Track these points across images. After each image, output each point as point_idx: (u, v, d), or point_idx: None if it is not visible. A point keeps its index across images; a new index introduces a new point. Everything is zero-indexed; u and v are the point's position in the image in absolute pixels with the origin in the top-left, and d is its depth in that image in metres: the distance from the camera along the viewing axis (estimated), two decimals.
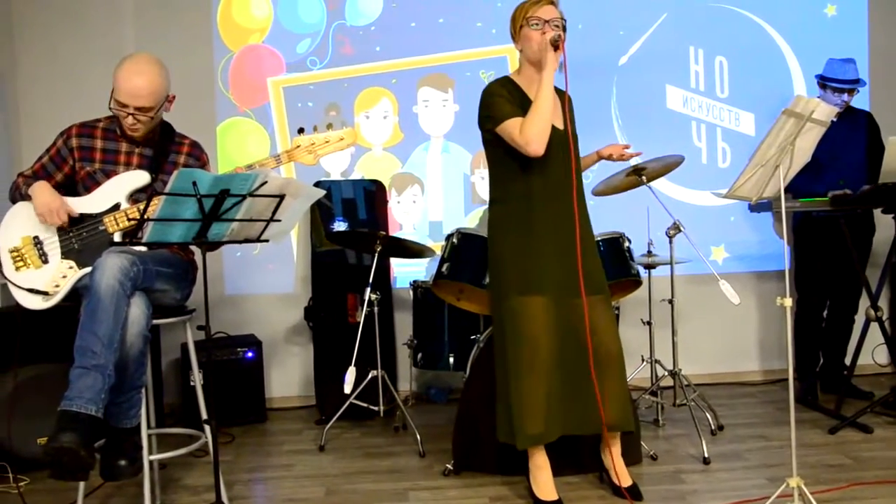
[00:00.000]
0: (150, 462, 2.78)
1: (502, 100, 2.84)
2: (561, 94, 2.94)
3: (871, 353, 4.56)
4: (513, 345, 2.85)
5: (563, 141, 2.84)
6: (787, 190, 2.68)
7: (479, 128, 2.97)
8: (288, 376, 4.67)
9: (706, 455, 3.36)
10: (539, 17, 2.79)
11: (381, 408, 3.87)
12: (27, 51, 4.51)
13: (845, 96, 4.13)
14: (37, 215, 2.73)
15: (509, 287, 2.88)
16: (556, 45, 2.73)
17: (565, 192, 2.85)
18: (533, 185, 2.86)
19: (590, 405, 2.85)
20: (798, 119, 2.53)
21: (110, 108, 2.79)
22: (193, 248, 2.85)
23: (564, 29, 2.83)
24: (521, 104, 2.83)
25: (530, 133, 2.72)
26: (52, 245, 2.76)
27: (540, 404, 2.82)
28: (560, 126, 2.87)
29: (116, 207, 2.77)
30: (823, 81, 4.17)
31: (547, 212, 2.86)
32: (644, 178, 3.49)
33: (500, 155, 2.92)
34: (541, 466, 2.94)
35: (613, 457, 3.00)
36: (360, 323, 3.67)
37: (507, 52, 4.68)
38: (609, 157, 3.24)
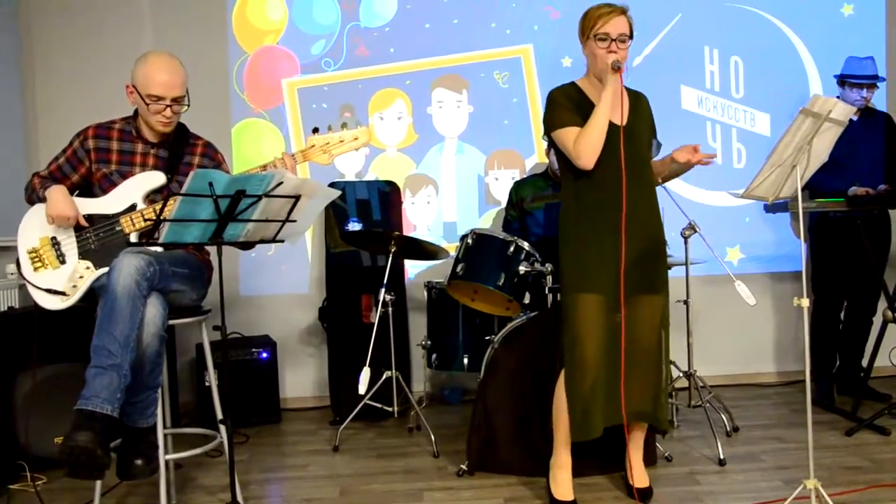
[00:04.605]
0: (166, 461, 2.79)
1: (561, 108, 2.85)
2: (634, 94, 2.94)
3: (889, 355, 4.52)
4: (566, 340, 2.86)
5: (618, 137, 2.78)
6: (803, 189, 2.66)
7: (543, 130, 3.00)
8: (302, 377, 4.69)
9: (721, 456, 3.34)
10: (607, 32, 2.74)
11: (396, 408, 3.87)
12: (45, 51, 4.55)
13: (864, 92, 4.11)
14: (47, 216, 2.76)
15: (567, 283, 2.89)
16: (616, 69, 2.72)
17: (618, 189, 2.78)
18: (585, 182, 2.84)
19: (619, 398, 2.84)
20: (815, 118, 2.50)
21: (146, 105, 2.79)
22: (209, 248, 2.87)
23: (632, 35, 2.79)
24: (581, 108, 2.82)
25: (581, 148, 2.76)
26: (70, 246, 2.78)
27: (583, 401, 2.82)
28: (617, 121, 2.81)
29: (133, 208, 2.79)
30: (843, 78, 4.16)
31: (602, 209, 2.83)
32: (659, 178, 3.47)
33: (562, 153, 2.92)
34: (562, 465, 2.94)
35: (631, 457, 3.01)
36: (374, 324, 3.68)
37: (522, 52, 4.68)
38: (687, 163, 2.95)
